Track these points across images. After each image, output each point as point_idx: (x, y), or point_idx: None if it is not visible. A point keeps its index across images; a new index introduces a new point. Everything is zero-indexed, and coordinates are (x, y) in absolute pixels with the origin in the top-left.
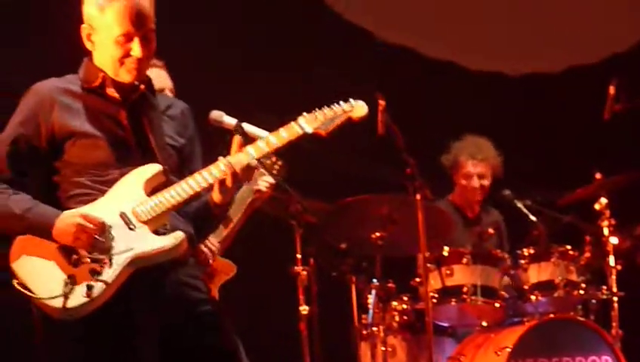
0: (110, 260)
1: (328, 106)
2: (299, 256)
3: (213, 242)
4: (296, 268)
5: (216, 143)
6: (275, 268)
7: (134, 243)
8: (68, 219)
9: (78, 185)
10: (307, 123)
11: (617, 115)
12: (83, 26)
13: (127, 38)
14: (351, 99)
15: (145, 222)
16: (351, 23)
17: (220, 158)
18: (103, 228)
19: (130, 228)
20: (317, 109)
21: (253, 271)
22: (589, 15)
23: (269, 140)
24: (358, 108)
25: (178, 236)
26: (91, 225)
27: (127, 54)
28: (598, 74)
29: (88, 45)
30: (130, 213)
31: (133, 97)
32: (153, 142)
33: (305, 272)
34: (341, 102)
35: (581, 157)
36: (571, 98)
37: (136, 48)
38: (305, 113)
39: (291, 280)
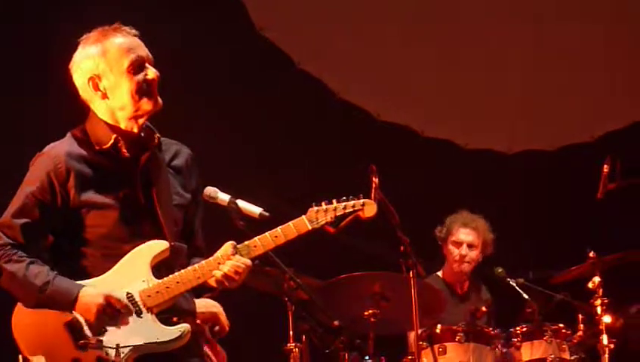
0: (118, 349)
1: (338, 200)
2: (291, 332)
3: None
4: (288, 344)
5: None
6: (267, 345)
7: (141, 332)
8: (91, 297)
9: (87, 257)
10: (317, 218)
11: (611, 194)
12: (88, 78)
13: (139, 63)
14: (361, 196)
15: (151, 308)
16: (346, 101)
17: (234, 254)
18: (121, 312)
19: (138, 315)
20: (326, 203)
21: (247, 347)
22: (583, 93)
23: (278, 236)
24: (369, 208)
25: (183, 329)
26: (113, 308)
27: (143, 80)
28: (593, 152)
29: (96, 97)
30: (137, 296)
31: (145, 157)
32: (161, 211)
33: (297, 349)
34: (351, 199)
35: (574, 236)
36: (565, 176)
37: (150, 71)
38: (314, 205)
39: (284, 357)
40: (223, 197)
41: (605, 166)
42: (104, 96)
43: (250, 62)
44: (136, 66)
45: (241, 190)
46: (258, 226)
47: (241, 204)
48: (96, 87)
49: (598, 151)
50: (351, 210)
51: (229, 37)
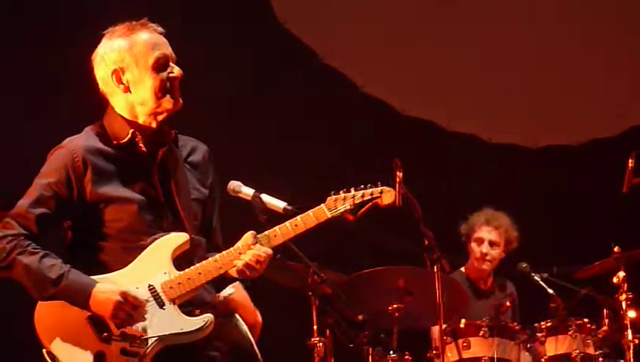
0: (142, 340)
1: (356, 188)
2: (315, 327)
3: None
4: (313, 339)
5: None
6: (291, 340)
7: (164, 323)
8: (107, 293)
9: (107, 251)
10: (335, 206)
11: (636, 188)
12: (112, 70)
13: (164, 60)
14: (380, 184)
15: (174, 300)
16: (371, 95)
17: (254, 244)
18: (139, 307)
19: (160, 306)
20: (344, 191)
21: (270, 342)
22: (609, 88)
23: (298, 225)
24: (387, 196)
25: (206, 319)
26: (130, 305)
27: (167, 78)
28: (618, 147)
29: (117, 90)
30: (159, 287)
31: (162, 151)
32: (180, 204)
33: (322, 344)
34: (370, 187)
35: (599, 231)
36: (590, 171)
37: (175, 70)
38: (332, 194)
39: (308, 352)
40: (247, 191)
41: (630, 160)
42: (126, 89)
43: (273, 56)
44: (162, 63)
45: (264, 186)
46: (281, 221)
47: (265, 198)
48: (120, 80)
49: (623, 146)
50: (369, 197)
51: (252, 31)
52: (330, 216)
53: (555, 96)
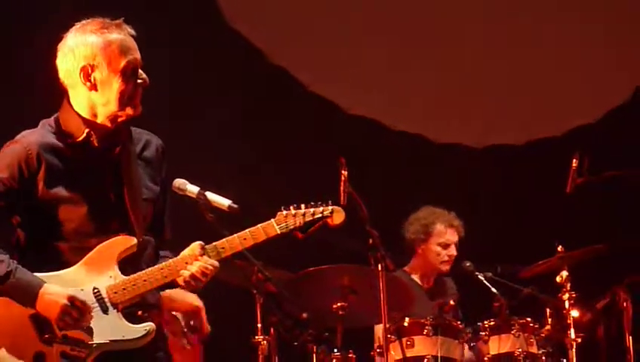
0: (83, 345)
1: (307, 206)
2: (260, 325)
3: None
4: (257, 337)
5: None
6: (235, 338)
7: (106, 329)
8: (54, 296)
9: (55, 251)
10: (285, 222)
11: (580, 188)
12: (81, 66)
13: (134, 66)
14: (330, 203)
15: (117, 305)
16: (317, 94)
17: (202, 255)
18: (86, 313)
19: (104, 311)
20: (294, 207)
21: (214, 340)
22: (554, 88)
23: (246, 239)
24: (337, 215)
25: (148, 328)
26: (77, 310)
27: (134, 85)
28: (562, 147)
29: (80, 86)
30: (104, 291)
31: (116, 151)
32: (130, 206)
33: (266, 342)
34: (320, 205)
35: (543, 230)
36: (534, 170)
37: (143, 76)
38: (283, 209)
39: (252, 350)
40: (192, 189)
41: (574, 160)
42: (92, 87)
43: (219, 55)
44: (131, 69)
45: (209, 184)
46: (227, 219)
47: (210, 195)
48: (87, 77)
49: (567, 146)
50: (319, 216)
51: (197, 28)
52: (279, 232)
53: (501, 95)
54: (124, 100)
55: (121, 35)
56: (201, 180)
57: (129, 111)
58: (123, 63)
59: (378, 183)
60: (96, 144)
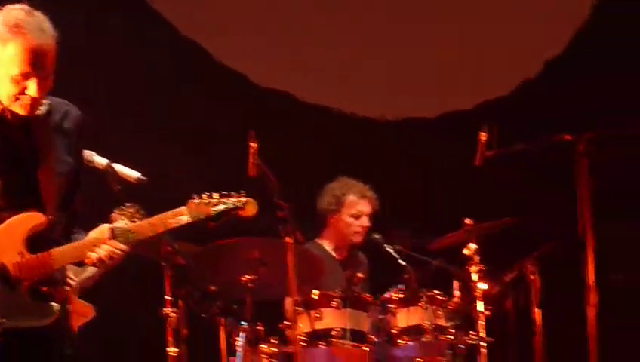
0: None
1: (221, 195)
2: (168, 297)
3: (72, 277)
4: (165, 309)
5: None
6: (144, 310)
7: (11, 306)
8: None
9: None
10: (197, 211)
11: (489, 161)
12: None
13: (25, 77)
14: (243, 194)
15: (23, 282)
16: (226, 66)
17: (110, 238)
18: None
19: (10, 289)
20: (207, 196)
21: (123, 312)
22: (463, 61)
23: (157, 225)
24: (250, 207)
25: (52, 312)
26: None
27: (22, 92)
28: (472, 119)
29: None
30: (10, 268)
31: (32, 125)
32: (43, 182)
33: (174, 314)
34: (233, 195)
35: (452, 203)
36: (446, 143)
37: (32, 88)
38: (195, 197)
39: (161, 323)
40: (100, 161)
41: (483, 133)
42: None
43: (127, 28)
44: (20, 80)
45: (117, 157)
46: (135, 190)
47: (118, 167)
48: None
49: (477, 119)
50: (232, 207)
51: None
52: (190, 220)
53: (413, 68)
54: (12, 100)
55: (28, 40)
56: (109, 153)
57: (19, 110)
58: (15, 72)
59: (288, 156)
60: (9, 118)
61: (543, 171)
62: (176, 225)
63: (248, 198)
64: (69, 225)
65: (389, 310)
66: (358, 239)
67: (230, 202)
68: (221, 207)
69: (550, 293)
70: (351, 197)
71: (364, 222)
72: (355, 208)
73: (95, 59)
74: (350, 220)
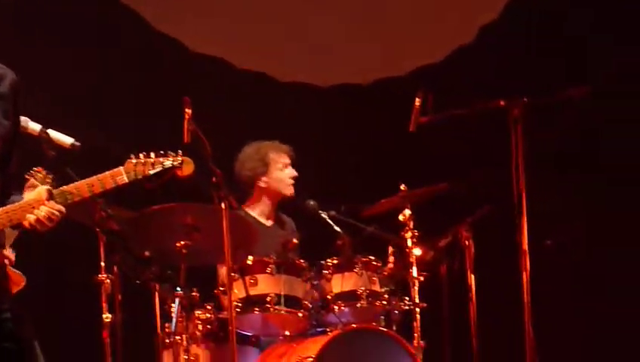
0: None
1: (157, 154)
2: (103, 264)
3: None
4: (100, 276)
5: None
6: (78, 276)
7: None
8: None
9: None
10: (135, 170)
11: (423, 127)
12: None
13: None
14: (180, 153)
15: None
16: (161, 32)
17: (48, 200)
18: None
19: None
20: (144, 156)
21: (57, 279)
22: (399, 27)
23: (95, 185)
24: (187, 166)
25: None
26: None
27: None
28: (406, 86)
29: None
30: None
31: None
32: None
33: (108, 280)
34: (170, 155)
35: (387, 169)
36: (379, 110)
37: None
38: (132, 157)
39: (95, 289)
40: (34, 127)
41: (417, 99)
42: None
43: None
44: None
45: (51, 122)
46: (70, 156)
47: (53, 133)
48: None
49: (411, 85)
50: (170, 166)
51: None
52: (127, 180)
53: (346, 35)
54: None
55: None
56: (42, 119)
57: None
58: None
59: (223, 122)
60: None
61: (478, 137)
62: (114, 185)
63: (184, 158)
64: (5, 187)
65: (323, 276)
66: (291, 191)
67: (167, 161)
68: (158, 167)
69: (484, 258)
70: (272, 155)
71: (293, 171)
72: (280, 161)
73: (25, 26)
74: (280, 174)
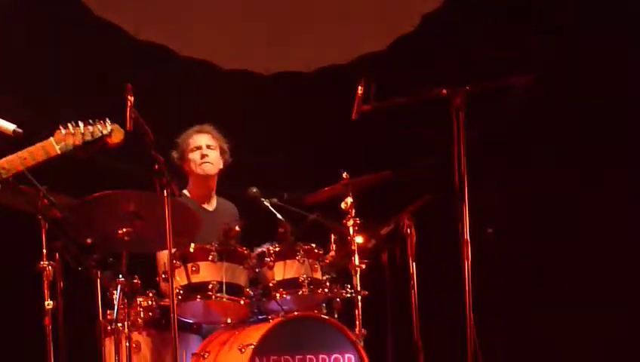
0: None
1: (85, 123)
2: (45, 251)
3: None
4: (42, 263)
5: None
6: (20, 263)
7: None
8: None
9: None
10: (65, 141)
11: (366, 115)
12: None
13: None
14: (109, 122)
15: None
16: (104, 19)
17: None
18: None
19: None
20: (73, 126)
21: None
22: (342, 15)
23: (26, 158)
24: (116, 134)
25: None
26: None
27: None
28: (349, 74)
29: None
30: None
31: None
32: None
33: (50, 267)
34: (98, 123)
35: (329, 157)
36: (322, 97)
37: None
38: (61, 128)
39: (37, 275)
40: None
41: (360, 87)
42: None
43: None
44: None
45: None
46: (13, 141)
47: None
48: None
49: (354, 73)
50: (99, 135)
51: None
52: (59, 152)
53: (289, 22)
54: None
55: None
56: None
57: None
58: None
59: (165, 109)
60: None
61: (420, 125)
62: (45, 157)
63: (114, 125)
64: None
65: (265, 263)
66: (205, 169)
67: (97, 130)
68: (88, 137)
69: (426, 247)
70: (187, 139)
71: (204, 151)
72: (192, 145)
73: None
74: (192, 155)
